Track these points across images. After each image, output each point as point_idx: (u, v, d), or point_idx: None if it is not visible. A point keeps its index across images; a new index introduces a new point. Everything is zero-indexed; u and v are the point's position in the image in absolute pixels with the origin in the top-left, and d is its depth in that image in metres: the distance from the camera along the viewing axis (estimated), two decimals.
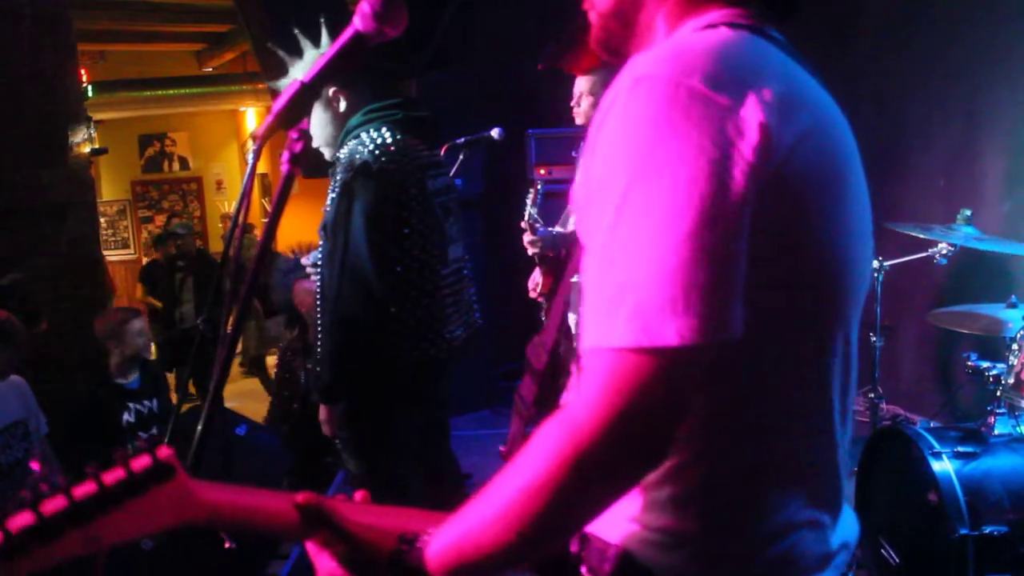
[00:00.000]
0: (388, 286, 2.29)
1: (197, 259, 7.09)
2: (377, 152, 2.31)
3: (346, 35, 1.33)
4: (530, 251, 3.42)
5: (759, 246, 0.81)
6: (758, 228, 0.80)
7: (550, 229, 3.43)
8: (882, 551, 2.84)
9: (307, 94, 1.35)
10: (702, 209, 0.77)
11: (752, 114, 0.80)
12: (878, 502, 2.96)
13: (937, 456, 2.55)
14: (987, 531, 2.42)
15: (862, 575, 3.05)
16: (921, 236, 3.22)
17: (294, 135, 1.34)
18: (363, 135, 2.36)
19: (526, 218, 3.40)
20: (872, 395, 3.64)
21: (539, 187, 3.45)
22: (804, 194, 0.84)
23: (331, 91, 2.43)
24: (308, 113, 1.39)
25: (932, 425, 2.93)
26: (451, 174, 3.08)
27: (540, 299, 3.47)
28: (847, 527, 0.99)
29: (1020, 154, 4.13)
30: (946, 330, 3.38)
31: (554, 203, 3.73)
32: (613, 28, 1.01)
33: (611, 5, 1.00)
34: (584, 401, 0.78)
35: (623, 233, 0.79)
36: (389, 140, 2.34)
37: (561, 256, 3.33)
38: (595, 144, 0.85)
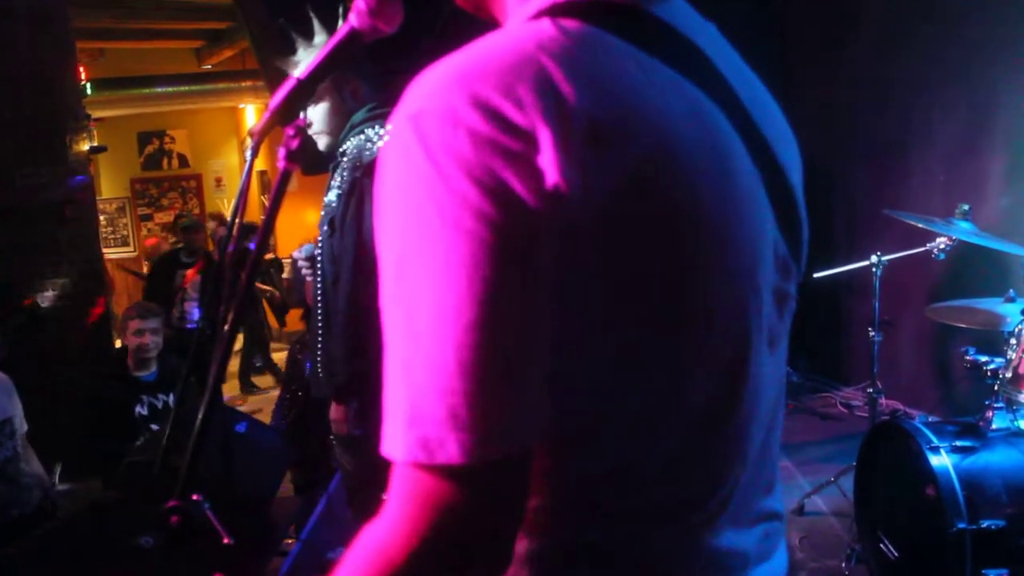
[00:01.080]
0: None
1: (205, 256, 6.72)
2: None
3: (342, 31, 1.34)
4: None
5: (579, 324, 0.68)
6: (575, 302, 0.67)
7: None
8: (881, 545, 2.84)
9: (303, 90, 1.35)
10: (485, 293, 0.62)
11: (550, 161, 0.63)
12: (877, 496, 2.97)
13: (935, 450, 2.56)
14: (985, 525, 2.42)
15: (861, 570, 3.06)
16: (921, 227, 3.22)
17: (290, 132, 1.34)
18: (368, 131, 2.34)
19: None
20: (871, 390, 3.64)
21: None
22: (641, 246, 0.68)
23: (351, 83, 2.41)
24: (304, 109, 1.39)
25: (930, 419, 2.93)
26: None
27: None
28: None
29: (1019, 150, 4.13)
30: (944, 324, 3.38)
31: None
32: None
33: None
34: (389, 520, 0.67)
35: (399, 322, 0.65)
36: None
37: None
38: (376, 191, 0.70)
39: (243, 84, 9.92)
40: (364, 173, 2.27)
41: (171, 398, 3.90)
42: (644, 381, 0.73)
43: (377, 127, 2.34)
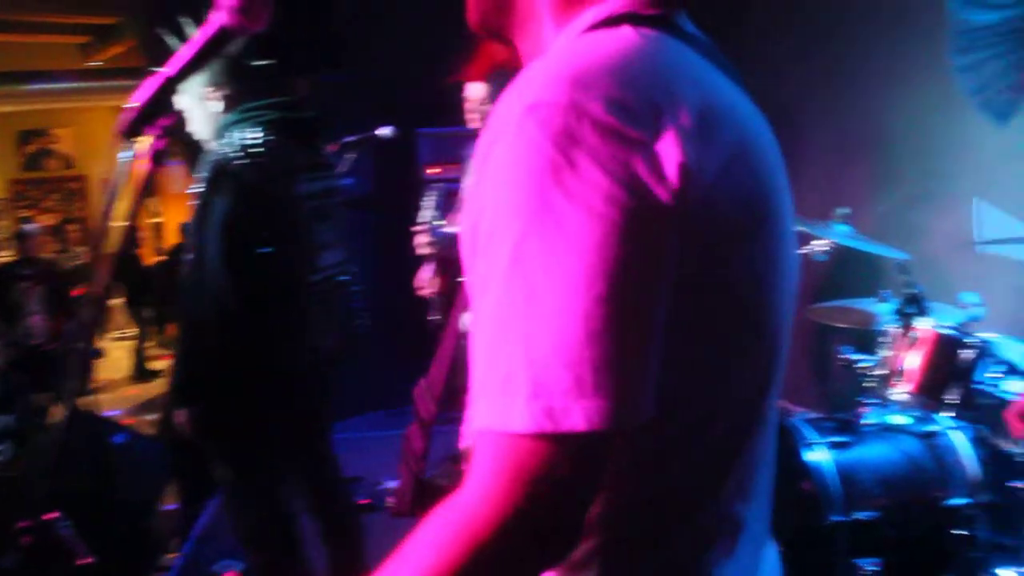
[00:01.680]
0: (241, 293, 2.23)
1: (47, 266, 6.22)
2: (239, 153, 2.26)
3: (210, 29, 1.31)
4: (423, 251, 3.42)
5: (679, 302, 0.71)
6: (678, 281, 0.71)
7: (447, 230, 3.44)
8: None
9: (171, 88, 1.32)
10: (613, 270, 0.66)
11: (669, 148, 0.68)
12: None
13: (811, 446, 2.64)
14: (858, 517, 2.52)
15: None
16: (802, 229, 3.33)
17: (156, 132, 1.30)
18: (235, 133, 2.31)
19: (423, 219, 3.40)
20: None
21: (440, 189, 3.48)
22: (730, 231, 0.74)
23: (206, 89, 2.36)
24: (171, 107, 1.35)
25: (809, 416, 3.03)
26: (340, 174, 3.04)
27: (431, 297, 3.48)
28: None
29: (893, 155, 4.33)
30: (824, 324, 3.51)
31: (446, 202, 3.74)
32: (487, 8, 0.90)
33: None
34: (477, 491, 0.68)
35: (518, 298, 0.67)
36: (256, 141, 2.29)
37: (456, 257, 3.35)
38: (481, 179, 0.73)
39: (132, 82, 9.54)
40: (213, 175, 2.25)
41: (11, 419, 3.71)
42: (700, 374, 0.78)
43: (241, 131, 2.30)
